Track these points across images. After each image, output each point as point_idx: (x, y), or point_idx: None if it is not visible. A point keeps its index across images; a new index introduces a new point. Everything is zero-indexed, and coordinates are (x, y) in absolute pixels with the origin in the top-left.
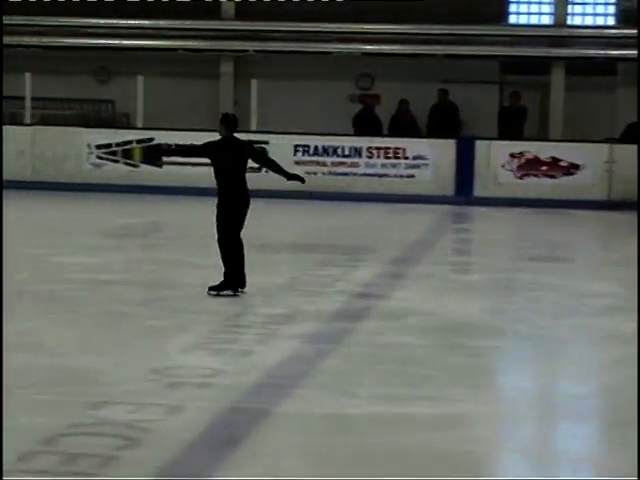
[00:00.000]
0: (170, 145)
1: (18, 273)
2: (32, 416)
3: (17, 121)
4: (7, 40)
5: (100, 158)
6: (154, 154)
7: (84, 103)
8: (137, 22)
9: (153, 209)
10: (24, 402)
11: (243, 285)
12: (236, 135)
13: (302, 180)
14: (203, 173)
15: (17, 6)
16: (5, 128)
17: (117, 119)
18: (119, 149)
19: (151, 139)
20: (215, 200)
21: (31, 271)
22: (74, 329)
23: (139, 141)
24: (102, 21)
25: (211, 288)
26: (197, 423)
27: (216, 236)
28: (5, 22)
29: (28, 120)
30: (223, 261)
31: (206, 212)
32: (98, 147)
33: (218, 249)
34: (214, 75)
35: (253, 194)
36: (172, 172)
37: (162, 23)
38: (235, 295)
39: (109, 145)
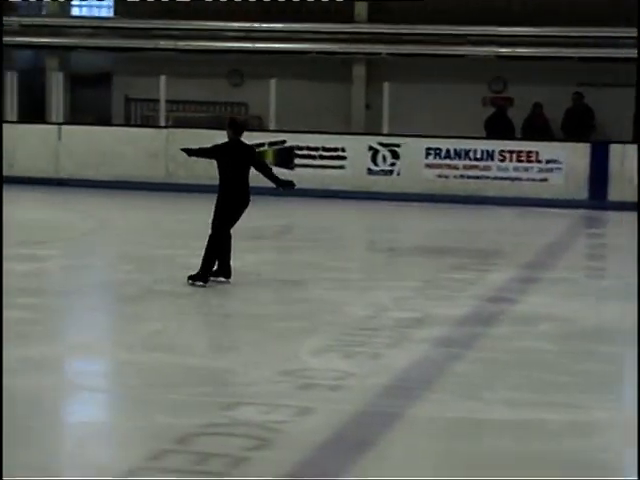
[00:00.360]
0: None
1: (151, 274)
2: (166, 415)
3: (151, 123)
4: (143, 43)
5: None
6: (286, 156)
7: (217, 106)
8: (270, 25)
9: (285, 211)
10: (158, 402)
11: (228, 276)
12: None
13: (292, 185)
14: (335, 175)
15: (153, 10)
16: (139, 130)
17: (250, 122)
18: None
19: (283, 141)
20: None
21: (163, 272)
22: (208, 330)
23: (271, 143)
24: (236, 24)
25: (189, 277)
26: (327, 425)
27: (209, 231)
28: (141, 26)
29: (162, 122)
30: (207, 253)
31: (337, 214)
32: None
33: (207, 242)
34: (346, 78)
35: (387, 197)
36: (304, 174)
37: (295, 26)
38: (204, 286)
39: None
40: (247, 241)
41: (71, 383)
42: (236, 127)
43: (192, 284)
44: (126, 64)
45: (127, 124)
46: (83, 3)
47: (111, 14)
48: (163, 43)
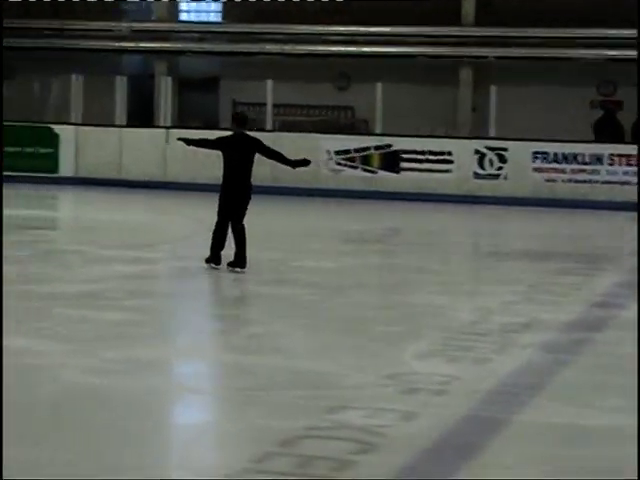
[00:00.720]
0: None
1: (255, 276)
2: (269, 418)
3: (258, 127)
4: (250, 47)
5: (339, 164)
6: (392, 160)
7: (324, 109)
8: (377, 29)
9: (390, 215)
10: (261, 404)
11: (244, 265)
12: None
13: (307, 162)
14: (441, 179)
15: (261, 14)
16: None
17: (356, 125)
18: (357, 155)
19: (389, 145)
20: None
21: (271, 275)
22: (312, 333)
23: (377, 147)
24: (342, 28)
25: (206, 260)
26: (432, 430)
27: (216, 219)
28: (248, 30)
29: (269, 126)
30: (214, 238)
31: (442, 218)
32: (337, 153)
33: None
34: (453, 81)
35: (493, 201)
36: (410, 178)
37: (402, 29)
38: (213, 269)
39: (348, 151)
40: (351, 244)
41: (176, 385)
42: (239, 120)
43: (209, 266)
44: (233, 68)
45: None
46: (191, 8)
47: (219, 19)
48: (270, 47)
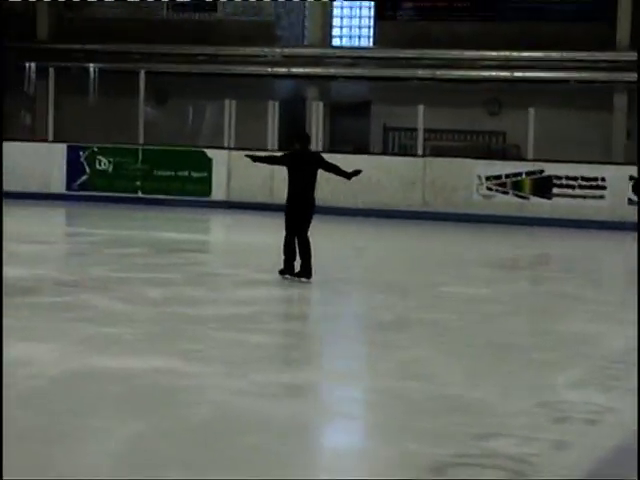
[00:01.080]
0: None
1: (406, 301)
2: (420, 444)
3: (408, 152)
4: (401, 72)
5: (490, 189)
6: (544, 186)
7: (475, 134)
8: (529, 54)
9: (542, 241)
10: (412, 430)
11: (309, 276)
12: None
13: (358, 171)
14: (594, 206)
15: (412, 39)
16: (396, 159)
17: (507, 151)
18: (509, 181)
19: (541, 171)
20: None
21: (421, 300)
22: (462, 359)
23: (529, 173)
24: (494, 53)
25: (280, 271)
26: (583, 460)
27: (284, 232)
28: (400, 55)
29: (420, 151)
30: (284, 252)
31: (595, 245)
32: (488, 178)
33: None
34: (607, 107)
35: None
36: (562, 204)
37: (554, 54)
38: (285, 279)
39: (499, 176)
40: (501, 270)
41: (326, 409)
42: (302, 139)
43: (283, 277)
44: (385, 93)
45: (385, 152)
46: (344, 33)
47: (370, 44)
48: (421, 72)
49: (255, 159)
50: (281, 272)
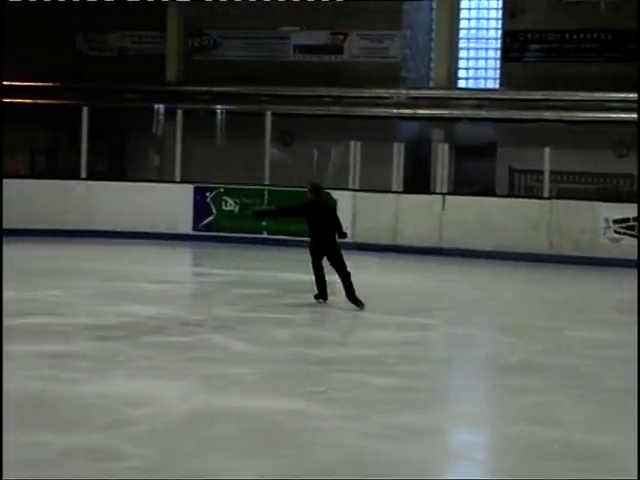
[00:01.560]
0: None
1: (532, 345)
2: None
3: (534, 194)
4: (527, 114)
5: (617, 232)
6: None
7: (602, 177)
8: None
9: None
10: (537, 475)
11: (325, 298)
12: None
13: (346, 235)
14: None
15: (538, 81)
16: (522, 201)
17: (635, 193)
18: (637, 224)
19: None
20: None
21: (546, 344)
22: (589, 404)
23: None
24: (622, 95)
25: (315, 296)
26: None
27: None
28: (526, 97)
29: (546, 194)
30: (317, 283)
31: None
32: (615, 222)
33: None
34: None
35: None
36: None
37: None
38: (318, 302)
39: (627, 219)
40: (628, 315)
41: (451, 453)
42: (316, 191)
43: (318, 301)
44: (510, 135)
45: (511, 195)
46: (469, 75)
47: (496, 86)
48: (548, 114)
49: (260, 215)
50: (316, 297)
